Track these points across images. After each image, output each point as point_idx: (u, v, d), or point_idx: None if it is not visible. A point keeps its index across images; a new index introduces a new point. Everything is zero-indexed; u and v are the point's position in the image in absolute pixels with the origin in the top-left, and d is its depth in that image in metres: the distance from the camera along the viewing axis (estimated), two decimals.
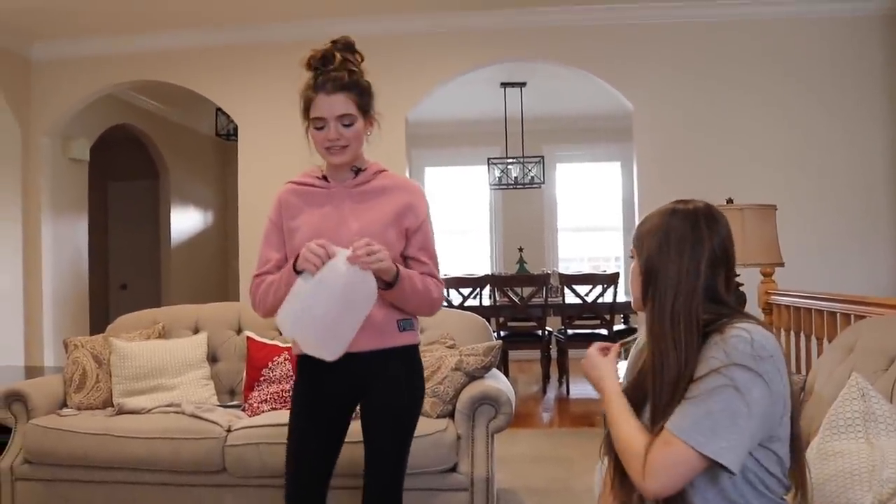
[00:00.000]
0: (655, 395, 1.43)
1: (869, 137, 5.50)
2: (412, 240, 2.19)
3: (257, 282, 2.21)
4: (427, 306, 2.19)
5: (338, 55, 2.10)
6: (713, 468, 1.36)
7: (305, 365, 2.18)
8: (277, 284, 2.10)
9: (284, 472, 2.22)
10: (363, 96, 2.13)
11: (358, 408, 2.26)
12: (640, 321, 5.26)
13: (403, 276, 2.07)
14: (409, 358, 2.22)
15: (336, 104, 2.07)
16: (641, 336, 1.68)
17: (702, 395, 1.35)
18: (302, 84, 2.13)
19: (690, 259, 1.47)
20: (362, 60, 2.17)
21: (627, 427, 1.45)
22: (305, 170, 2.29)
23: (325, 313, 1.97)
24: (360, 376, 2.15)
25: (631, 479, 1.45)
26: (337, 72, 2.08)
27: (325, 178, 2.23)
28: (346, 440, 2.26)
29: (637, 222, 5.59)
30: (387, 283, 2.05)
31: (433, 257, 2.23)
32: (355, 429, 2.21)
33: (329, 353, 2.02)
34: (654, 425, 1.42)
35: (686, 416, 1.34)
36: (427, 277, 2.18)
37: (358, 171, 2.21)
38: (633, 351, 1.71)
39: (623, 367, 1.73)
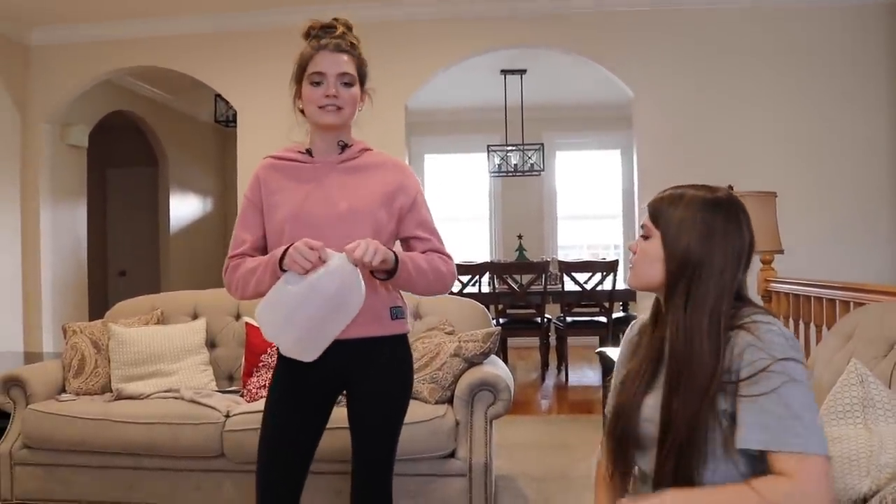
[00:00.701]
0: (684, 388, 1.39)
1: (871, 126, 5.49)
2: (407, 219, 2.13)
3: (233, 265, 2.12)
4: (438, 284, 2.11)
5: (340, 27, 2.09)
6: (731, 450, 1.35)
7: None
8: (261, 275, 2.00)
9: (256, 459, 2.10)
10: (362, 66, 2.12)
11: (344, 395, 2.18)
12: (640, 307, 5.28)
13: (403, 259, 1.99)
14: (399, 346, 2.14)
15: (338, 62, 2.05)
16: (641, 317, 1.66)
17: (767, 397, 1.32)
18: (297, 53, 2.11)
19: (733, 251, 1.45)
20: (359, 44, 2.14)
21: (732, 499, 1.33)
22: (286, 146, 2.21)
23: (311, 318, 1.91)
24: (349, 363, 2.08)
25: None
26: (340, 39, 2.07)
27: (308, 152, 2.15)
28: (334, 426, 2.21)
29: (637, 209, 5.52)
30: (387, 272, 1.99)
31: (433, 232, 2.16)
32: (342, 415, 2.16)
33: (307, 356, 1.97)
34: (669, 415, 1.40)
35: (768, 426, 1.31)
36: (432, 254, 2.11)
37: (344, 147, 2.15)
38: (628, 334, 1.68)
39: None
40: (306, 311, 1.90)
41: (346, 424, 2.12)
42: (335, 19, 2.11)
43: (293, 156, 2.16)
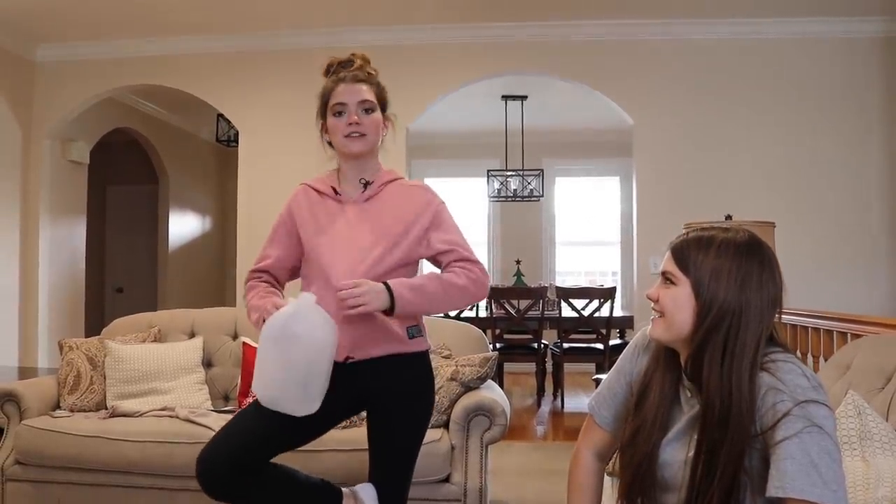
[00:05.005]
0: (728, 442, 1.34)
1: (867, 157, 5.53)
2: (433, 235, 2.15)
3: (250, 284, 2.23)
4: (461, 297, 2.08)
5: (357, 60, 2.20)
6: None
7: None
8: (259, 315, 2.07)
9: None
10: (382, 92, 2.21)
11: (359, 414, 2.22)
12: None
13: (400, 293, 1.98)
14: (421, 365, 2.18)
15: (358, 91, 2.14)
16: (641, 333, 1.63)
17: (789, 442, 1.28)
18: (320, 90, 2.20)
19: (769, 297, 1.41)
20: (377, 74, 2.24)
21: None
22: (326, 172, 2.28)
23: (281, 372, 1.90)
24: (369, 384, 2.10)
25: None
26: (358, 71, 2.17)
27: (336, 191, 2.21)
28: (348, 448, 2.21)
29: (636, 236, 5.49)
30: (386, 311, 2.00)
31: (455, 242, 2.14)
32: (356, 436, 2.17)
33: (301, 410, 1.95)
34: (712, 470, 1.35)
35: (786, 472, 1.27)
36: (452, 268, 2.10)
37: (366, 185, 2.19)
38: (632, 354, 1.63)
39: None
40: (271, 368, 1.91)
41: (356, 446, 2.13)
42: (353, 54, 2.22)
43: (325, 190, 2.21)
